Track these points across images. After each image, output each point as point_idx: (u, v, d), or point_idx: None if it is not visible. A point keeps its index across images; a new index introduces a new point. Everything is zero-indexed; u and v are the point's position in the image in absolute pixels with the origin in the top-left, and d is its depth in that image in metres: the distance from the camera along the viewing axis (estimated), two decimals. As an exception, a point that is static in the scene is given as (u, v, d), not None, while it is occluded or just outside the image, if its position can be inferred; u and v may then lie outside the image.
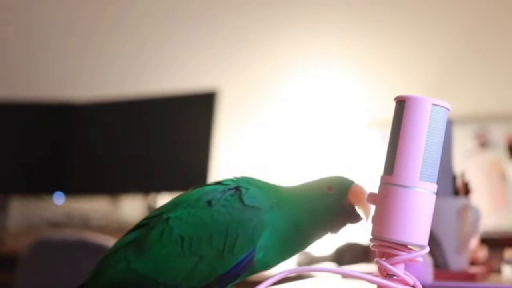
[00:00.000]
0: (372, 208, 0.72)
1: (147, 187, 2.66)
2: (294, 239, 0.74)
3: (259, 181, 0.77)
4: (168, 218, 0.73)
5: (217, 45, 3.02)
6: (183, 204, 0.74)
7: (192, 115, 2.64)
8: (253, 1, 3.00)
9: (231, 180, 0.77)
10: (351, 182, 0.75)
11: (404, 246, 0.70)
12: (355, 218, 0.74)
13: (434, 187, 0.70)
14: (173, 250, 0.72)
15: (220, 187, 0.75)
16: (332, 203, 0.74)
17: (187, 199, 0.75)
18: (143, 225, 0.76)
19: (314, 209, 0.74)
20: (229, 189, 0.74)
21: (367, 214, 0.73)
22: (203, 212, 0.73)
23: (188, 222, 0.72)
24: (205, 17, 3.05)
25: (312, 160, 2.80)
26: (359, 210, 0.74)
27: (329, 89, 2.86)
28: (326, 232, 0.75)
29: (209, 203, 0.73)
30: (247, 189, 0.74)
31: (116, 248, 0.75)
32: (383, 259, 0.71)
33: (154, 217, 0.75)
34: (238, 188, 0.74)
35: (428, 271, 1.02)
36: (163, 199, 2.90)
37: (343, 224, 0.75)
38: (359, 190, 0.74)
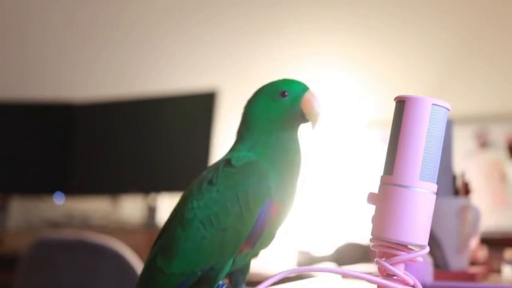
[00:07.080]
0: (372, 208, 0.72)
1: (147, 187, 2.66)
2: (283, 151, 0.77)
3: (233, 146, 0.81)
4: (182, 214, 0.76)
5: (217, 45, 3.02)
6: (189, 197, 0.77)
7: (192, 115, 2.64)
8: (253, 0, 3.00)
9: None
10: (306, 89, 0.78)
11: (404, 246, 0.70)
12: (306, 121, 0.78)
13: (434, 187, 0.70)
14: (197, 236, 0.74)
15: (213, 166, 0.78)
16: (286, 109, 0.77)
17: (191, 191, 0.78)
18: (160, 236, 0.79)
19: (272, 116, 0.77)
20: (220, 162, 0.78)
21: (314, 123, 0.77)
22: (209, 191, 0.76)
23: (201, 207, 0.75)
24: (205, 16, 3.05)
25: (312, 160, 2.80)
26: (308, 117, 0.77)
27: (329, 89, 2.86)
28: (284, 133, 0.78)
29: (211, 182, 0.76)
30: (232, 156, 0.78)
31: (145, 267, 0.78)
32: (383, 259, 0.71)
33: (168, 223, 0.78)
34: (227, 160, 0.78)
35: (428, 271, 1.02)
36: (163, 199, 2.90)
37: (297, 125, 0.78)
38: (311, 98, 0.77)
